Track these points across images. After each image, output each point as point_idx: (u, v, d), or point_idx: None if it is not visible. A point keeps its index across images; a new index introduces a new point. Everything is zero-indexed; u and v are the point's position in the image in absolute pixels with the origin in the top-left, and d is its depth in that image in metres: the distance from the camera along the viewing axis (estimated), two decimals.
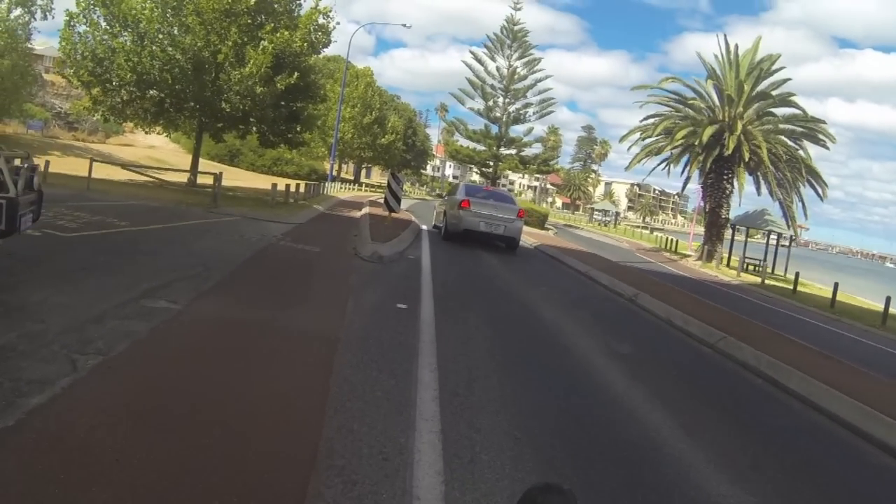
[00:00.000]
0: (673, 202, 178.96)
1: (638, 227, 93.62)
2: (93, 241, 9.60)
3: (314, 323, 6.55)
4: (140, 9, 21.80)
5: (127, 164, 19.47)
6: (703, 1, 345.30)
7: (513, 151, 66.50)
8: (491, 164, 66.24)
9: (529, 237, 25.93)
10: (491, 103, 64.19)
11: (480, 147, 66.16)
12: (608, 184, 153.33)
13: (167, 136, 31.36)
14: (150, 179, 21.35)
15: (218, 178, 17.79)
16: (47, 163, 19.93)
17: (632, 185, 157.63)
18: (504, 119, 64.61)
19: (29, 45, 37.38)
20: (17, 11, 35.13)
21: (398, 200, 17.97)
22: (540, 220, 41.28)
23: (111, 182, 21.80)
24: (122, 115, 24.51)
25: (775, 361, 7.73)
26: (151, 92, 22.83)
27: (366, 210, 24.96)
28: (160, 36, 22.01)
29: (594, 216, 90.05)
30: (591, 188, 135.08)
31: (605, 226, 79.23)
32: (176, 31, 22.43)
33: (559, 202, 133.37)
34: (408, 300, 8.42)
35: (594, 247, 31.63)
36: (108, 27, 22.29)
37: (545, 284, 13.51)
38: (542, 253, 21.16)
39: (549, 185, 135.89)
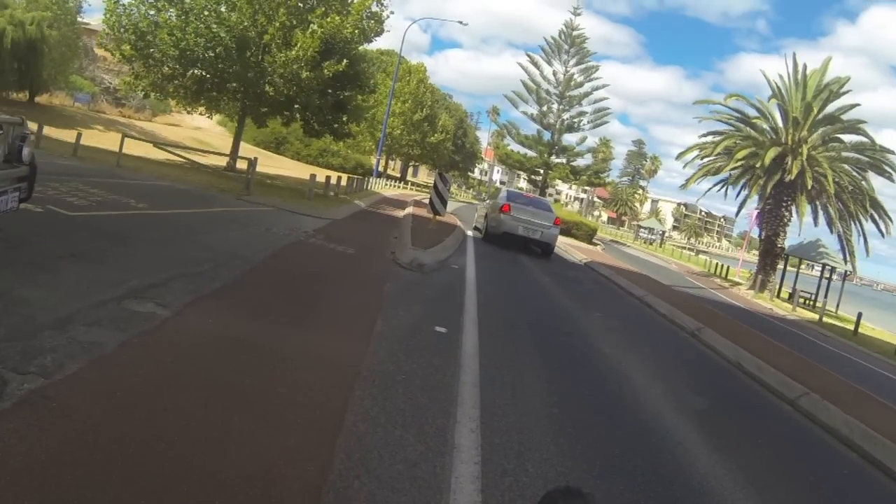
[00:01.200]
0: (718, 225, 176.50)
1: (682, 247, 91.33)
2: (96, 223, 8.59)
3: (330, 347, 5.35)
4: None
5: (159, 143, 18.65)
6: (761, 22, 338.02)
7: (563, 160, 65.23)
8: (541, 171, 64.96)
9: (578, 252, 24.88)
10: (545, 109, 62.98)
11: (531, 153, 65.05)
12: (655, 201, 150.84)
13: (209, 117, 30.74)
14: (184, 160, 20.48)
15: (252, 163, 16.80)
16: (79, 135, 19.28)
17: (678, 204, 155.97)
18: (557, 126, 63.26)
19: (80, 18, 37.58)
20: None
21: (444, 203, 16.90)
22: (588, 235, 39.72)
23: (145, 160, 21.08)
24: (162, 91, 23.95)
25: (872, 433, 6.40)
26: (193, 70, 22.18)
27: (409, 210, 23.87)
28: (205, 13, 21.35)
29: (640, 233, 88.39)
30: (637, 204, 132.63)
31: (651, 244, 77.14)
32: (223, 9, 21.72)
33: (605, 216, 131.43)
34: (448, 322, 7.19)
35: (643, 267, 29.97)
36: (152, 1, 21.75)
37: (600, 309, 12.14)
38: (592, 271, 19.77)
39: (595, 198, 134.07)
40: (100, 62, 52.18)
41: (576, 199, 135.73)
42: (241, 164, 24.36)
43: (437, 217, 17.16)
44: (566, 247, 27.00)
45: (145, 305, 5.34)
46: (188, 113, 30.17)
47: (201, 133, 52.45)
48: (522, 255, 17.69)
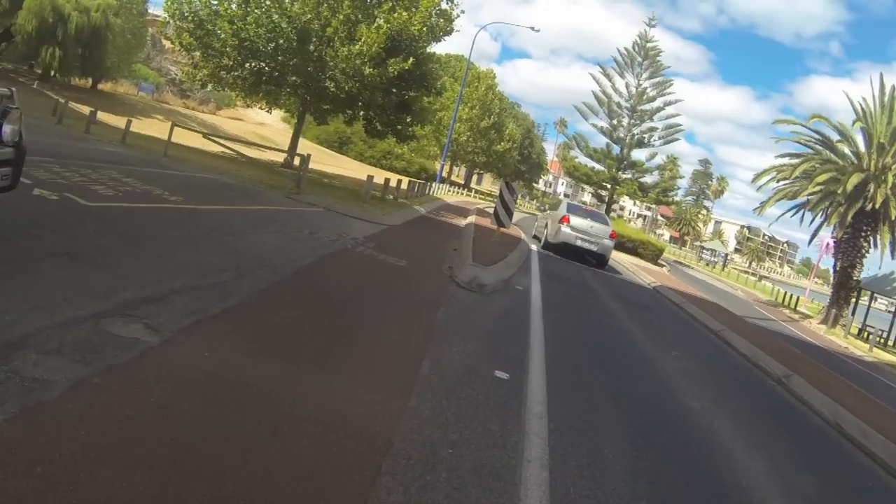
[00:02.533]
0: (781, 250, 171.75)
1: (744, 272, 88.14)
2: (113, 216, 7.62)
3: (359, 400, 4.09)
4: None
5: (210, 134, 17.90)
6: (834, 44, 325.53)
7: (631, 176, 63.43)
8: (608, 186, 63.26)
9: (646, 274, 23.36)
10: (615, 122, 61.42)
11: (599, 167, 63.48)
12: (718, 222, 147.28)
13: (268, 111, 30.19)
14: (236, 154, 19.71)
15: (305, 160, 15.83)
16: (129, 122, 18.78)
17: (741, 226, 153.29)
18: (627, 140, 61.51)
19: (147, 8, 38.02)
20: None
21: (510, 214, 15.66)
22: (655, 255, 37.80)
23: (197, 151, 20.49)
24: (221, 82, 23.48)
25: None
26: (252, 62, 21.54)
27: (471, 219, 22.66)
28: (267, 2, 20.69)
29: (702, 255, 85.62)
30: (700, 224, 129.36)
31: (713, 267, 74.27)
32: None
33: (667, 234, 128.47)
34: (510, 362, 5.90)
35: (710, 292, 27.94)
36: None
37: (677, 346, 10.60)
38: (662, 297, 18.18)
39: (659, 216, 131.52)
40: (167, 53, 52.83)
41: (639, 215, 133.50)
42: (299, 161, 23.61)
43: (502, 229, 15.90)
44: (633, 267, 25.60)
45: (130, 327, 4.23)
46: (248, 107, 29.85)
47: (264, 129, 52.50)
48: (589, 274, 16.92)
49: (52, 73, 33.08)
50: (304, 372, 4.29)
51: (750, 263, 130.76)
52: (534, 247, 19.77)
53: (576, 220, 19.48)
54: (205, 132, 18.74)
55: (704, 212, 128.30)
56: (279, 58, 20.66)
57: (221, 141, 17.99)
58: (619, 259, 28.05)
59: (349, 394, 4.16)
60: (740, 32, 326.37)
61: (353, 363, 4.76)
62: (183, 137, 20.95)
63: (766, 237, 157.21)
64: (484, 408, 4.59)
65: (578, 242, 19.19)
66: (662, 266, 37.01)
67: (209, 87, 25.32)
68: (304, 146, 52.06)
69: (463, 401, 4.59)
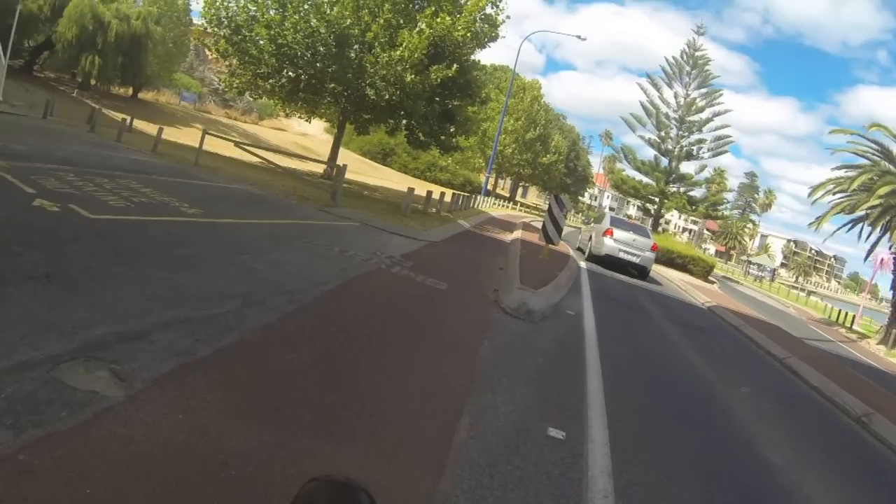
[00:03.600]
0: (828, 265, 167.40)
1: (791, 286, 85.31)
2: (115, 232, 6.86)
3: (375, 483, 3.14)
4: None
5: (240, 142, 17.28)
6: (882, 52, 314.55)
7: (680, 189, 61.71)
8: (656, 199, 61.57)
9: (699, 292, 22.12)
10: (663, 134, 59.82)
11: (647, 180, 61.90)
12: (764, 236, 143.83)
13: (307, 120, 29.63)
14: (268, 163, 19.02)
15: (341, 171, 15.01)
16: (160, 130, 18.29)
17: (788, 240, 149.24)
18: (675, 153, 59.84)
19: (190, 18, 37.98)
20: None
21: (559, 230, 14.68)
22: (705, 272, 36.19)
23: (231, 161, 19.93)
24: (258, 89, 23.01)
25: None
26: (289, 69, 20.95)
27: (518, 234, 21.68)
28: (305, 6, 20.10)
29: (750, 270, 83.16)
30: (747, 238, 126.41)
31: (761, 282, 71.76)
32: (323, 2, 20.42)
33: (712, 248, 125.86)
34: (566, 414, 4.92)
35: (761, 310, 26.22)
36: None
37: (744, 378, 9.35)
38: (718, 318, 16.89)
39: (705, 230, 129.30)
40: (210, 63, 53.11)
41: (684, 229, 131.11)
42: (335, 172, 22.96)
43: (550, 245, 14.89)
44: (684, 285, 24.33)
45: (91, 376, 3.41)
46: (287, 116, 29.41)
47: (307, 139, 52.28)
48: (642, 295, 16.19)
49: (92, 81, 33.12)
50: (305, 442, 3.34)
51: (797, 278, 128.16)
52: (583, 264, 18.88)
53: (619, 233, 20.30)
54: (236, 140, 18.12)
55: (751, 225, 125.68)
56: (317, 64, 20.02)
57: (254, 150, 17.31)
58: (669, 276, 27.08)
59: (362, 474, 3.21)
60: (786, 42, 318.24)
61: (370, 426, 3.79)
62: (219, 147, 20.42)
63: (813, 251, 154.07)
64: (535, 486, 3.61)
65: (621, 254, 19.96)
66: (713, 282, 35.47)
67: (246, 94, 24.86)
68: (348, 157, 51.67)
69: (508, 476, 3.61)
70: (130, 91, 37.49)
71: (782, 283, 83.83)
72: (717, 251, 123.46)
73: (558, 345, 7.43)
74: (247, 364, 4.19)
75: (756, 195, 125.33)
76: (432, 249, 12.50)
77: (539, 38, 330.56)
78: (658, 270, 28.90)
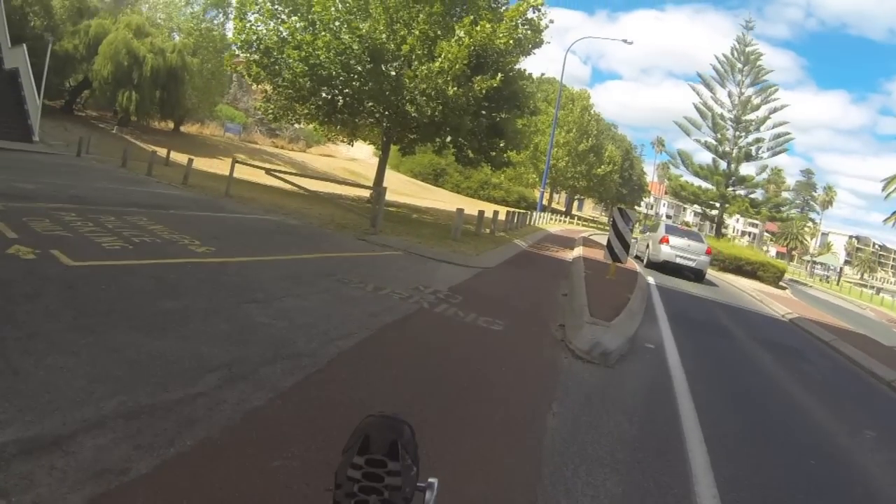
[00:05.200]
0: (894, 258, 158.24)
1: (857, 284, 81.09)
2: (93, 282, 5.63)
3: None
4: None
5: (270, 170, 16.21)
6: None
7: (742, 192, 58.76)
8: (717, 204, 58.92)
9: (775, 302, 20.28)
10: (719, 136, 57.22)
11: (706, 185, 59.17)
12: (824, 234, 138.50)
13: (349, 144, 28.68)
14: (304, 190, 17.90)
15: (380, 193, 13.66)
16: (190, 161, 17.42)
17: (850, 237, 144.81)
18: (734, 154, 57.12)
19: (234, 49, 37.65)
20: (213, 12, 35.27)
21: (626, 247, 13.13)
22: (775, 277, 34.00)
23: (267, 189, 18.97)
24: (293, 113, 22.09)
25: None
26: (324, 90, 19.88)
27: (579, 251, 20.11)
28: (336, 23, 19.04)
29: (814, 270, 79.44)
30: (808, 238, 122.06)
31: (827, 282, 67.96)
32: (353, 17, 19.36)
33: (773, 250, 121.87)
34: None
35: (842, 315, 24.16)
36: (274, 10, 19.93)
37: (863, 417, 7.55)
38: (805, 332, 14.96)
39: (765, 233, 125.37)
40: (255, 94, 53.09)
41: (743, 233, 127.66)
42: (388, 196, 21.90)
43: (617, 264, 13.32)
44: (758, 294, 22.51)
45: None
46: (329, 142, 28.58)
47: (356, 164, 51.61)
48: (718, 311, 15.01)
49: (132, 117, 32.88)
50: None
51: (862, 275, 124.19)
52: (650, 279, 17.42)
53: (674, 240, 21.68)
54: (267, 168, 17.06)
55: (811, 224, 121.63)
56: (354, 83, 18.87)
57: (286, 177, 16.21)
58: (741, 285, 25.51)
59: None
60: (831, 34, 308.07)
61: None
62: (256, 176, 19.46)
63: (877, 246, 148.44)
64: None
65: (678, 260, 21.31)
66: (785, 288, 33.35)
67: (285, 121, 23.97)
68: (398, 180, 51.00)
69: None
70: (172, 125, 37.27)
71: (847, 282, 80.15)
72: (777, 253, 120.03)
73: (644, 398, 5.88)
74: (205, 486, 2.82)
75: (814, 193, 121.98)
76: (485, 278, 11.02)
77: (583, 50, 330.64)
78: (727, 279, 27.66)
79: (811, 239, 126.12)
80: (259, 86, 22.13)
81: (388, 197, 21.69)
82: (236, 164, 17.65)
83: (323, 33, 18.71)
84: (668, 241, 21.56)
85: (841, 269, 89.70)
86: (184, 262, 7.18)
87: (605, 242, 13.66)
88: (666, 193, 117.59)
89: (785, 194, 70.08)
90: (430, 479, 1.16)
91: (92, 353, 3.98)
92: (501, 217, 22.48)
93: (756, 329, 13.34)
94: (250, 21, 20.02)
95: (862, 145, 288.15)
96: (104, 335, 4.36)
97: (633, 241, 16.35)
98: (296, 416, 3.71)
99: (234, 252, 8.23)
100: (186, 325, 4.95)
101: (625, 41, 43.38)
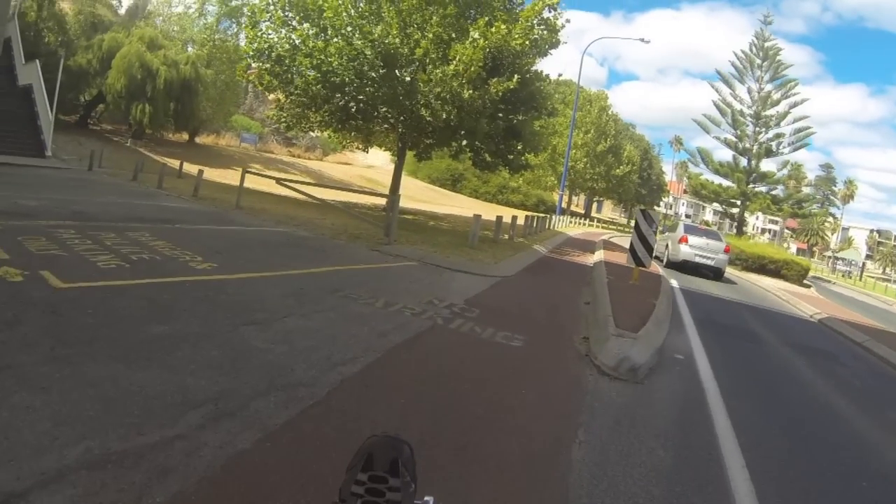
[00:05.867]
0: None
1: (881, 279, 79.47)
2: (81, 305, 5.25)
3: None
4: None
5: (281, 180, 15.81)
6: None
7: (763, 189, 57.97)
8: (738, 202, 58.01)
9: (803, 302, 19.64)
10: (739, 132, 56.49)
11: (727, 183, 58.47)
12: (845, 229, 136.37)
13: (364, 150, 28.34)
14: (318, 199, 17.52)
15: (394, 202, 13.21)
16: (200, 172, 17.10)
17: (871, 231, 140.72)
18: (754, 151, 56.31)
19: (248, 61, 37.53)
20: (226, 23, 35.16)
21: (650, 250, 12.61)
22: (799, 276, 33.29)
23: (281, 199, 18.63)
24: (306, 121, 21.78)
25: None
26: (337, 97, 19.49)
27: (600, 255, 19.60)
28: (348, 28, 18.69)
29: (837, 266, 78.05)
30: (829, 233, 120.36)
31: (850, 277, 66.51)
32: (365, 22, 19.00)
33: (794, 247, 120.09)
34: None
35: (870, 313, 23.51)
36: (286, 18, 19.63)
37: None
38: (838, 334, 14.25)
39: (786, 230, 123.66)
40: (271, 104, 53.01)
41: (763, 230, 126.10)
42: (403, 202, 21.48)
43: (640, 268, 12.79)
44: (784, 294, 21.82)
45: None
46: (345, 149, 28.23)
47: (373, 171, 51.34)
48: (745, 314, 14.41)
49: (147, 129, 32.78)
50: None
51: (884, 269, 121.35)
52: (674, 282, 16.81)
53: (693, 239, 22.12)
54: (277, 178, 16.68)
55: (831, 219, 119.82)
56: (367, 89, 18.49)
57: (296, 186, 15.79)
58: (765, 285, 25.01)
59: None
60: (848, 28, 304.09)
61: None
62: (269, 186, 19.15)
63: None
64: None
65: (697, 259, 21.80)
66: (809, 286, 32.66)
67: (295, 129, 23.69)
68: (416, 187, 50.64)
69: None
70: (186, 136, 37.15)
71: (870, 276, 78.69)
72: (798, 249, 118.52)
73: (678, 418, 5.38)
74: None
75: (833, 187, 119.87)
76: (504, 288, 10.54)
77: (600, 52, 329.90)
78: (751, 279, 27.30)
79: (832, 234, 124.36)
80: (273, 95, 21.78)
81: (405, 204, 21.36)
82: (249, 175, 17.33)
83: (335, 39, 18.38)
84: (687, 241, 21.94)
85: (864, 264, 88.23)
86: (181, 280, 6.79)
87: (625, 245, 13.22)
88: (685, 192, 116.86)
89: (805, 189, 68.87)
90: (427, 498, 1.19)
91: (64, 390, 3.58)
92: (520, 222, 21.94)
93: (785, 332, 12.82)
94: (261, 29, 19.73)
95: (881, 138, 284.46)
96: (82, 367, 3.96)
97: (656, 243, 15.82)
98: (286, 460, 3.26)
99: (237, 268, 7.82)
100: (174, 352, 4.54)
101: (642, 40, 42.92)
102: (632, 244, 12.65)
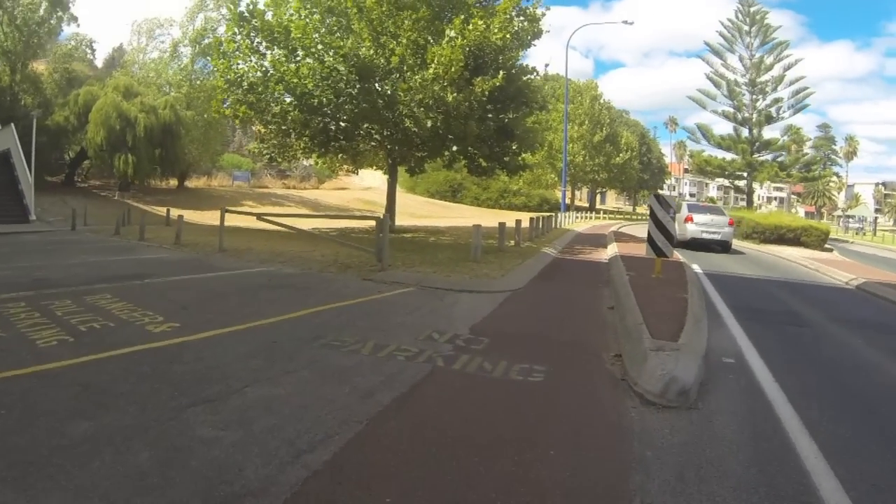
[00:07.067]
0: None
1: (894, 231, 78.25)
2: None
3: None
4: (289, 18, 18.03)
5: (262, 216, 14.72)
6: None
7: (769, 157, 56.75)
8: (745, 174, 56.93)
9: (832, 268, 18.58)
10: (736, 102, 55.79)
11: (731, 156, 57.74)
12: (850, 186, 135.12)
13: (354, 172, 27.38)
14: (314, 230, 16.42)
15: (383, 223, 12.01)
16: (180, 217, 16.07)
17: (876, 184, 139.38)
18: (754, 119, 55.41)
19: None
20: (201, 62, 34.36)
21: (670, 238, 11.37)
22: (820, 240, 32.15)
23: (270, 235, 17.55)
24: (288, 149, 20.82)
25: None
26: (316, 120, 18.44)
27: (613, 249, 18.45)
28: (318, 46, 17.68)
29: (848, 224, 77.08)
30: (835, 193, 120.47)
31: (863, 234, 65.22)
32: (335, 37, 18.00)
33: (802, 211, 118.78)
34: None
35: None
36: (253, 45, 18.73)
37: None
38: (881, 300, 13.04)
39: (792, 195, 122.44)
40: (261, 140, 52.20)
41: (769, 199, 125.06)
42: (403, 220, 20.43)
43: (661, 259, 11.57)
44: (811, 262, 20.68)
45: None
46: (336, 174, 27.27)
47: (370, 193, 50.36)
48: (778, 292, 13.31)
49: (131, 179, 31.89)
50: None
51: (895, 220, 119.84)
52: (696, 267, 15.82)
53: (698, 217, 22.88)
54: (258, 214, 15.61)
55: (836, 179, 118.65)
56: (345, 106, 17.44)
57: (276, 220, 14.64)
58: (788, 255, 24.08)
59: None
60: None
61: None
62: (256, 222, 18.16)
63: None
64: None
65: (704, 235, 22.53)
66: (831, 250, 31.68)
67: (279, 159, 22.71)
68: (415, 202, 49.55)
69: None
70: (175, 182, 36.25)
71: (882, 230, 77.38)
72: (806, 212, 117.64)
73: (753, 454, 4.15)
74: None
75: (833, 146, 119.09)
76: (515, 304, 9.34)
77: (583, 44, 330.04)
78: (772, 251, 26.45)
79: (838, 193, 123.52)
80: (249, 126, 20.88)
81: (404, 221, 20.27)
82: (236, 214, 16.32)
83: (307, 60, 17.41)
84: (692, 220, 22.64)
85: (875, 218, 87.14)
86: (130, 351, 5.66)
87: (635, 234, 12.10)
88: (686, 172, 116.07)
89: (808, 152, 67.77)
90: None
91: None
92: (525, 224, 20.74)
93: (828, 306, 11.67)
94: (230, 60, 18.75)
95: (873, 90, 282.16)
96: None
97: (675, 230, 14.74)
98: None
99: (202, 325, 6.68)
100: (90, 462, 3.42)
101: (625, 22, 41.77)
102: (650, 234, 11.44)
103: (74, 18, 33.73)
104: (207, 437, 3.82)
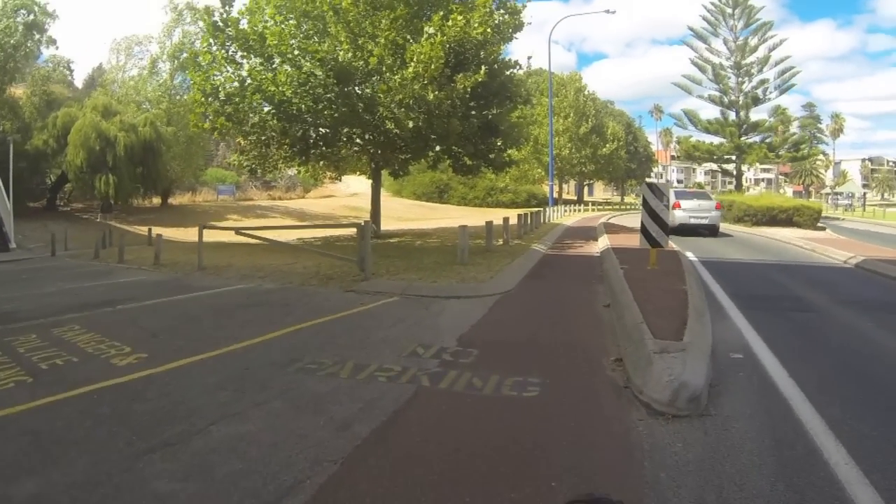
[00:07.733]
0: None
1: (882, 205, 79.19)
2: None
3: None
4: (265, 25, 17.64)
5: (240, 230, 14.25)
6: None
7: (757, 139, 56.91)
8: (733, 157, 56.89)
9: (828, 247, 18.15)
10: (722, 86, 55.71)
11: (719, 139, 57.68)
12: (837, 164, 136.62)
13: (338, 179, 26.82)
14: (300, 241, 15.95)
15: (364, 230, 11.53)
16: (159, 237, 15.57)
17: (863, 160, 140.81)
18: (741, 102, 55.42)
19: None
20: (180, 78, 33.80)
21: (665, 227, 10.95)
22: (813, 219, 32.11)
23: (250, 250, 17.07)
24: (267, 160, 20.37)
25: None
26: (295, 128, 17.95)
27: (604, 241, 18.06)
28: (295, 52, 17.23)
29: (837, 201, 77.87)
30: (822, 171, 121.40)
31: (852, 210, 65.55)
32: (311, 41, 17.57)
33: (790, 191, 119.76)
34: None
35: (893, 243, 21.61)
36: (228, 55, 18.32)
37: None
38: (883, 277, 12.69)
39: (780, 176, 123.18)
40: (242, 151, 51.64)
41: (757, 181, 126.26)
42: (389, 224, 19.98)
43: (656, 249, 11.15)
44: (806, 242, 20.28)
45: None
46: (319, 182, 26.81)
47: (357, 199, 49.87)
48: (778, 276, 12.93)
49: (113, 200, 31.32)
50: None
51: (882, 195, 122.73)
52: (690, 255, 15.53)
53: (685, 203, 23.15)
54: (236, 229, 15.11)
55: (823, 157, 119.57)
56: (324, 112, 16.96)
57: (254, 233, 14.20)
58: (783, 236, 23.65)
59: None
60: None
61: None
62: (238, 237, 17.74)
63: (892, 164, 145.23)
64: None
65: (692, 221, 22.78)
66: (824, 228, 31.48)
67: (260, 170, 22.23)
68: (401, 206, 49.05)
69: None
70: (159, 200, 35.69)
71: (870, 205, 77.90)
72: (794, 192, 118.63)
73: (777, 467, 3.74)
74: None
75: (819, 125, 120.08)
76: (505, 308, 8.88)
77: (566, 37, 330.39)
78: (766, 233, 26.24)
79: (826, 171, 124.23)
80: (229, 137, 20.43)
81: (391, 226, 19.83)
82: (216, 230, 15.86)
83: (284, 67, 16.96)
84: (679, 206, 22.77)
85: (864, 194, 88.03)
86: (91, 390, 5.18)
87: (626, 224, 11.71)
88: (674, 159, 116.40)
89: (794, 130, 67.78)
90: None
91: None
92: (513, 221, 20.28)
93: (830, 288, 11.34)
94: (206, 71, 18.29)
95: (856, 67, 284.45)
96: None
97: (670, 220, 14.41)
98: None
99: (171, 354, 6.19)
100: None
101: (607, 11, 41.49)
102: (643, 224, 11.02)
103: (53, 41, 33.33)
104: (163, 492, 3.35)
